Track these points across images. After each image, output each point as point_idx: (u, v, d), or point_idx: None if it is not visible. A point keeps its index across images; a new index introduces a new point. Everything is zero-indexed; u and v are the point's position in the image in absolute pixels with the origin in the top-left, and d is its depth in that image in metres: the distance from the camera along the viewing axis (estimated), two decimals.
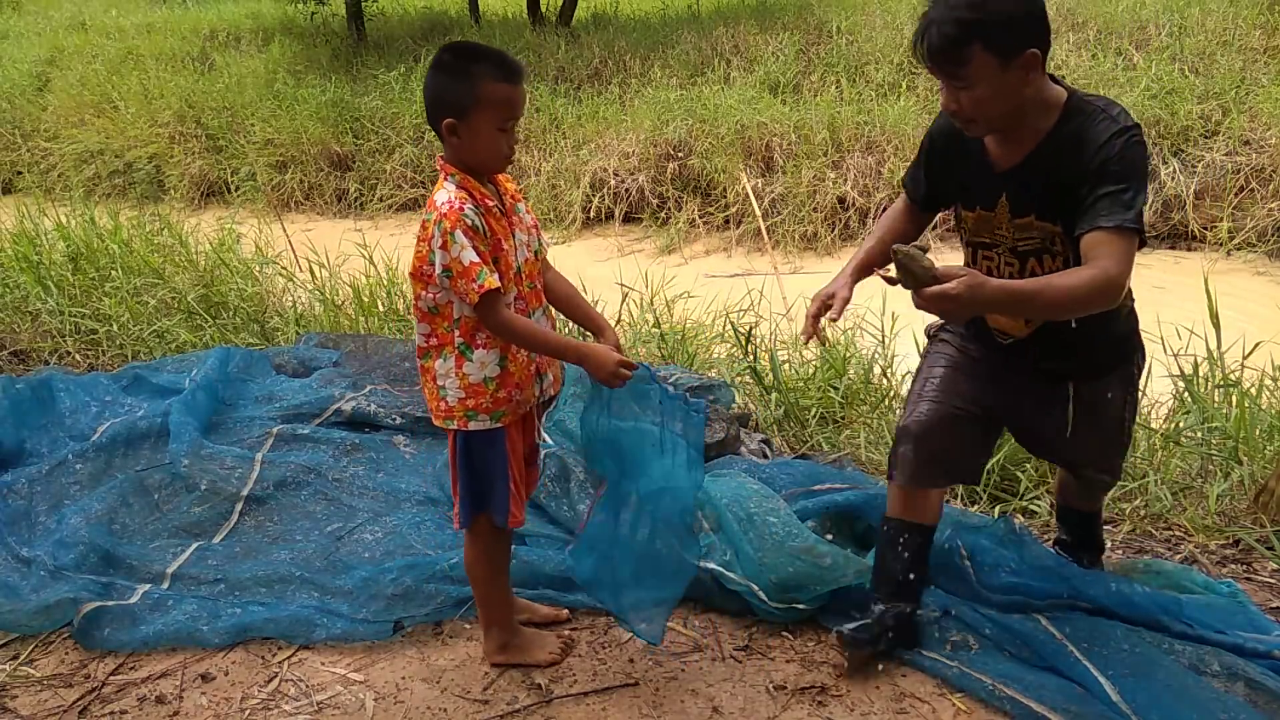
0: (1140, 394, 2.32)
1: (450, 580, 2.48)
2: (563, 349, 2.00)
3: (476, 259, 1.87)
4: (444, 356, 2.00)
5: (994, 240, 2.06)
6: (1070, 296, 1.77)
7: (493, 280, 1.88)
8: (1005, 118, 1.88)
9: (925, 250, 1.69)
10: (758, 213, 6.83)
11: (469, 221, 1.88)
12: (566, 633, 2.29)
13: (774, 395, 3.71)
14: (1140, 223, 1.81)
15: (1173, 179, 7.05)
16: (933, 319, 2.22)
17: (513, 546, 2.59)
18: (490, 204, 1.96)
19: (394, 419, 3.34)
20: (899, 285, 1.75)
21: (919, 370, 2.29)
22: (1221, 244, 6.75)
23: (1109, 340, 2.09)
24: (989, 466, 2.93)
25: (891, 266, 1.78)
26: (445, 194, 1.92)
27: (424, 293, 1.97)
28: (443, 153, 1.99)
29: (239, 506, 2.89)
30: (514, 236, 2.01)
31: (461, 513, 2.11)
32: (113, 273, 5.26)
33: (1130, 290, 2.02)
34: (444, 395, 2.01)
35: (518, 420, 2.08)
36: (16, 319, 4.82)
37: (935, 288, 1.68)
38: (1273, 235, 6.66)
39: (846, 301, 2.09)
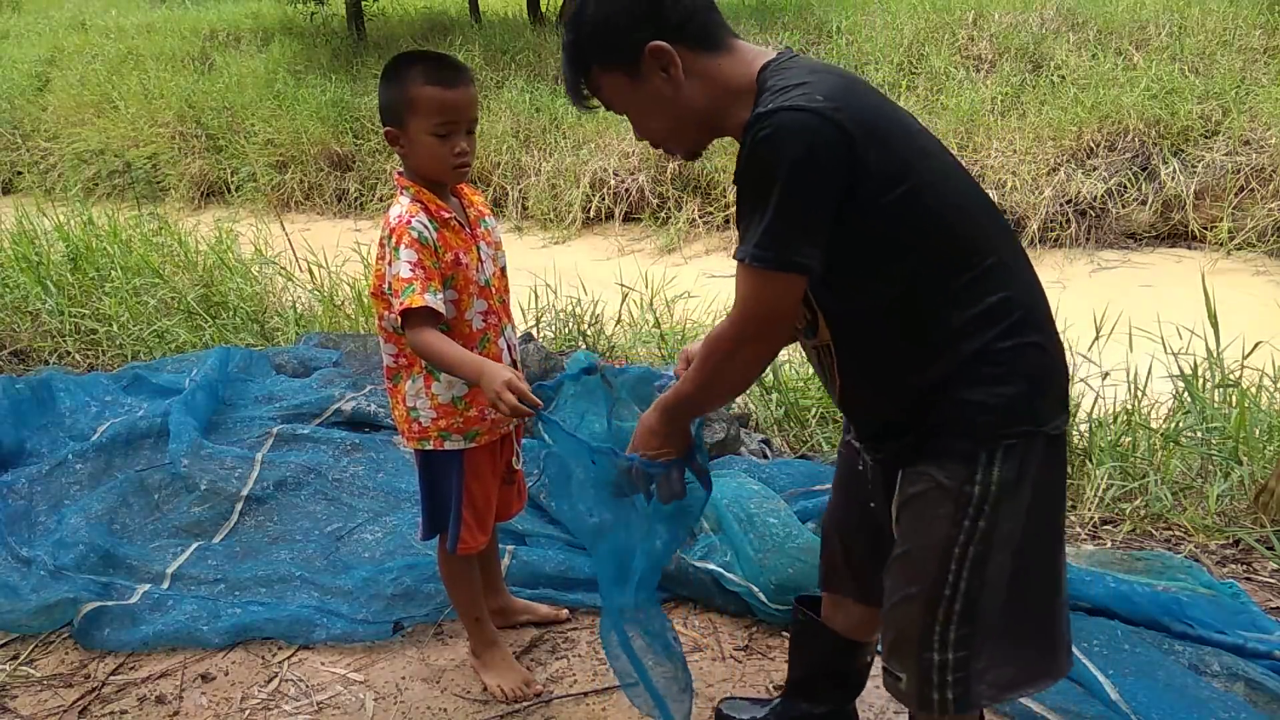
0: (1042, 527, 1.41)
1: None
2: (463, 366, 1.77)
3: (409, 274, 1.78)
4: (413, 377, 1.96)
5: None
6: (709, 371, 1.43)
7: (418, 299, 1.76)
8: (685, 132, 1.47)
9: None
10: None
11: (415, 234, 1.81)
12: (539, 688, 2.18)
13: (774, 395, 3.71)
14: (770, 254, 1.26)
15: (1173, 179, 7.05)
16: None
17: (513, 547, 2.61)
18: (447, 216, 1.89)
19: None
20: None
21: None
22: (1221, 244, 6.75)
23: (923, 390, 1.34)
24: None
25: None
26: (398, 208, 1.86)
27: (386, 312, 1.88)
28: (400, 167, 1.95)
29: (239, 506, 2.89)
30: (479, 250, 1.94)
31: (423, 526, 2.14)
32: (112, 273, 5.26)
33: (1004, 306, 1.32)
34: (416, 417, 1.97)
35: (493, 442, 2.03)
36: (16, 319, 4.81)
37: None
38: (1273, 235, 6.65)
39: None
